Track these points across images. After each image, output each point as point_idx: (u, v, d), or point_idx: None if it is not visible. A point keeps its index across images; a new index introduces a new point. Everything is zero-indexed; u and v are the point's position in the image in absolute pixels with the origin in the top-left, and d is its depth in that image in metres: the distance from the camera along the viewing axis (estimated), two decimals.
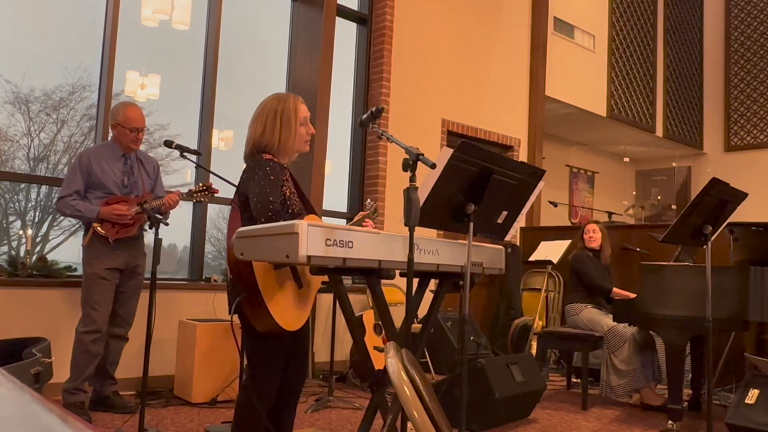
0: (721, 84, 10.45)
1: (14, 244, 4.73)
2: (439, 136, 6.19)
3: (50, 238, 4.88)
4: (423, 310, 3.62)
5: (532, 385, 3.84)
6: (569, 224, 9.21)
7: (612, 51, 8.70)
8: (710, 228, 3.39)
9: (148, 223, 3.11)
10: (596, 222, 4.94)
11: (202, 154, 4.53)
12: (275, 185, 2.23)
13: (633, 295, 4.28)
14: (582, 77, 8.17)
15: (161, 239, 3.01)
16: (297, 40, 5.64)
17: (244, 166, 2.39)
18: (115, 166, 3.64)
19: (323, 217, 5.26)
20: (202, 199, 3.62)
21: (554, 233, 6.13)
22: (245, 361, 2.41)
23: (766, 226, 3.94)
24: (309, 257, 1.85)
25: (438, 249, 2.35)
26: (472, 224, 2.34)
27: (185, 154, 3.33)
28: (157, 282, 3.07)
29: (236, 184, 2.43)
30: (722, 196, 3.37)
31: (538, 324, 5.50)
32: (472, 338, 5.17)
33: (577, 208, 9.77)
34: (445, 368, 5.00)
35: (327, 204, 5.42)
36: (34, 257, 4.23)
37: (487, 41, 6.77)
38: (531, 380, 3.84)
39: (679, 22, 10.14)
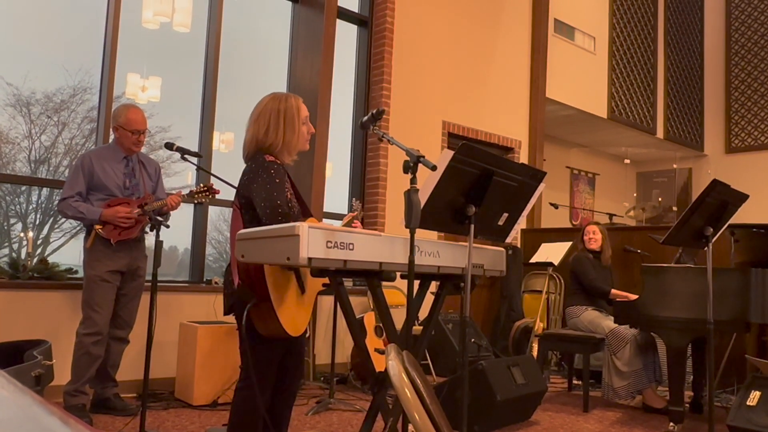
0: (721, 85, 10.45)
1: (15, 246, 4.73)
2: (439, 138, 6.20)
3: (51, 240, 4.88)
4: (424, 312, 3.62)
5: (533, 387, 3.84)
6: (570, 226, 9.20)
7: (612, 53, 8.71)
8: (711, 230, 3.39)
9: (149, 225, 3.11)
10: (597, 223, 4.94)
11: (202, 157, 4.54)
12: (281, 188, 2.22)
13: (632, 296, 4.29)
14: (582, 79, 8.18)
15: (162, 241, 3.01)
16: (298, 43, 5.65)
17: (246, 166, 2.37)
18: (117, 168, 3.64)
19: (324, 219, 5.27)
20: (203, 200, 3.62)
21: (555, 235, 6.13)
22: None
23: (767, 228, 3.94)
24: (310, 259, 1.85)
25: (439, 251, 2.35)
26: (472, 226, 2.34)
27: (186, 156, 3.33)
28: (158, 284, 3.07)
29: (236, 185, 2.42)
30: (723, 198, 3.37)
31: (539, 326, 5.49)
32: (473, 340, 5.16)
33: (578, 210, 9.77)
34: (446, 370, 5.00)
35: (328, 206, 5.42)
36: (35, 260, 4.23)
37: (488, 43, 6.78)
38: (532, 382, 3.84)
39: (680, 24, 10.15)
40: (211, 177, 3.53)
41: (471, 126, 6.50)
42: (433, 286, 2.66)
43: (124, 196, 3.61)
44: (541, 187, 2.62)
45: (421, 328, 2.74)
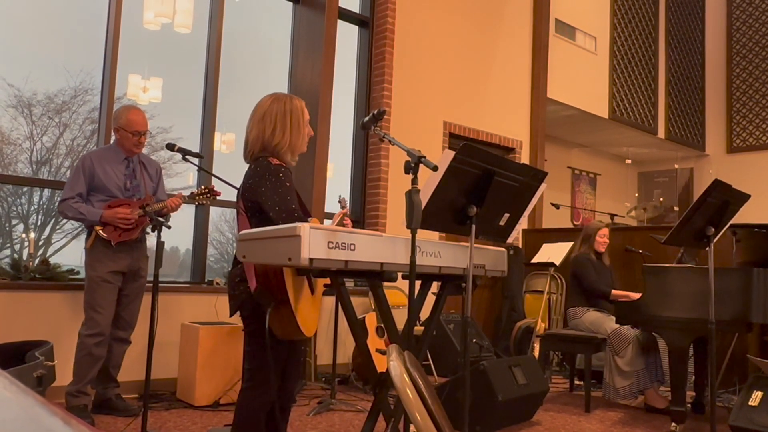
0: (723, 85, 10.44)
1: (17, 247, 4.73)
2: (440, 138, 6.20)
3: (53, 241, 4.88)
4: (425, 313, 3.62)
5: (535, 387, 3.84)
6: (571, 226, 9.20)
7: (614, 53, 8.70)
8: (713, 230, 3.38)
9: (151, 226, 3.11)
10: (606, 225, 4.97)
11: (204, 157, 4.54)
12: (292, 192, 2.22)
13: (633, 295, 4.28)
14: (584, 79, 8.17)
15: (163, 242, 3.02)
16: (298, 43, 5.65)
17: (249, 169, 2.34)
18: (118, 169, 3.65)
19: (325, 221, 5.27)
20: (204, 202, 3.62)
21: (556, 235, 6.13)
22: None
23: None
24: (311, 260, 1.85)
25: (440, 251, 2.35)
26: (474, 226, 2.34)
27: (187, 157, 3.33)
28: (160, 285, 3.07)
29: (238, 186, 2.42)
30: (724, 198, 3.36)
31: (541, 326, 5.49)
32: (474, 340, 5.16)
33: (579, 210, 9.76)
34: (447, 370, 5.00)
35: (329, 207, 5.42)
36: (37, 260, 4.23)
37: (489, 43, 6.77)
38: (534, 382, 3.84)
39: (681, 24, 10.14)
40: (213, 178, 3.53)
41: (472, 126, 6.50)
42: (435, 286, 2.66)
43: (125, 197, 3.61)
44: (543, 187, 2.62)
45: (423, 328, 2.74)
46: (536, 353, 5.08)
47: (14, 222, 4.78)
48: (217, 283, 4.74)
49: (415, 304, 2.24)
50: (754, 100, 10.13)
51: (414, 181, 2.07)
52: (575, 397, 4.71)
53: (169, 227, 3.10)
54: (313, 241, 1.85)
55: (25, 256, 4.46)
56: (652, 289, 3.81)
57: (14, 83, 4.37)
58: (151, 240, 3.73)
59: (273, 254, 1.91)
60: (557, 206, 6.56)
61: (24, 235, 4.76)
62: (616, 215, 7.16)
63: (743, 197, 3.48)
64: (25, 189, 4.78)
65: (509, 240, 2.67)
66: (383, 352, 3.92)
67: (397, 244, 2.13)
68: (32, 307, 3.87)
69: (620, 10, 8.90)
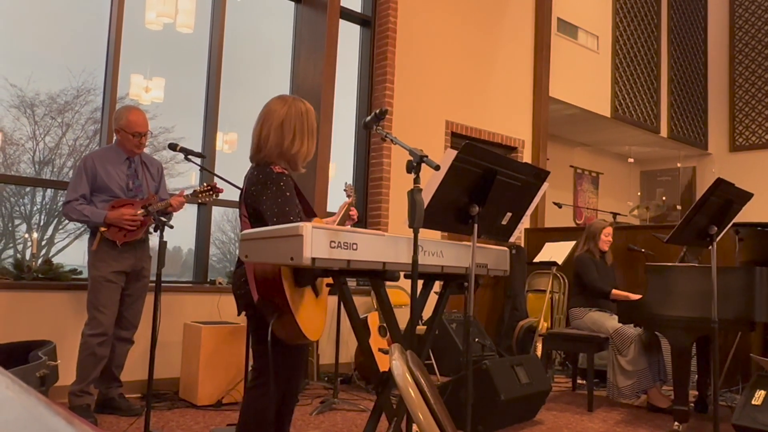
0: (725, 84, 10.42)
1: (20, 247, 4.74)
2: (442, 137, 6.19)
3: (56, 241, 4.89)
4: (428, 312, 3.62)
5: (538, 386, 3.83)
6: (574, 225, 9.19)
7: (616, 52, 8.69)
8: (715, 228, 3.38)
9: (153, 225, 3.11)
10: (611, 225, 4.96)
11: (206, 157, 4.54)
12: (292, 201, 2.22)
13: (632, 296, 4.27)
14: (586, 78, 8.16)
15: (166, 242, 3.02)
16: (300, 43, 5.65)
17: (251, 174, 2.32)
18: (120, 169, 3.65)
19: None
20: (207, 200, 3.62)
21: (559, 234, 6.12)
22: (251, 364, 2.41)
23: None
24: (313, 259, 1.85)
25: (442, 251, 2.35)
26: (476, 226, 2.34)
27: (189, 156, 3.34)
28: (162, 285, 3.08)
29: (240, 186, 2.42)
30: (727, 197, 3.36)
31: (543, 325, 5.49)
32: (477, 340, 5.16)
33: (582, 209, 9.75)
34: (450, 370, 5.00)
35: (331, 206, 5.42)
36: (40, 260, 4.24)
37: (491, 42, 6.77)
38: (536, 382, 3.83)
39: (683, 22, 10.12)
40: (215, 177, 3.53)
41: (474, 125, 6.50)
42: (437, 285, 2.66)
43: (127, 197, 3.62)
44: (545, 186, 2.62)
45: (425, 327, 2.74)
46: (539, 352, 5.07)
47: (17, 222, 4.79)
48: (220, 283, 4.75)
49: (417, 303, 2.24)
50: (756, 98, 10.11)
51: (416, 181, 2.07)
52: (578, 397, 4.71)
53: (171, 226, 3.10)
54: (316, 241, 1.85)
55: (28, 256, 4.47)
56: (654, 288, 3.81)
57: (17, 83, 4.38)
58: (153, 240, 3.73)
59: (275, 254, 1.91)
60: (560, 205, 6.56)
61: (27, 235, 4.77)
62: (619, 214, 7.15)
63: (746, 196, 3.47)
64: (27, 189, 4.79)
65: (512, 239, 2.67)
66: (386, 352, 3.93)
67: (399, 244, 2.13)
68: (35, 307, 3.88)
69: (622, 9, 8.88)
